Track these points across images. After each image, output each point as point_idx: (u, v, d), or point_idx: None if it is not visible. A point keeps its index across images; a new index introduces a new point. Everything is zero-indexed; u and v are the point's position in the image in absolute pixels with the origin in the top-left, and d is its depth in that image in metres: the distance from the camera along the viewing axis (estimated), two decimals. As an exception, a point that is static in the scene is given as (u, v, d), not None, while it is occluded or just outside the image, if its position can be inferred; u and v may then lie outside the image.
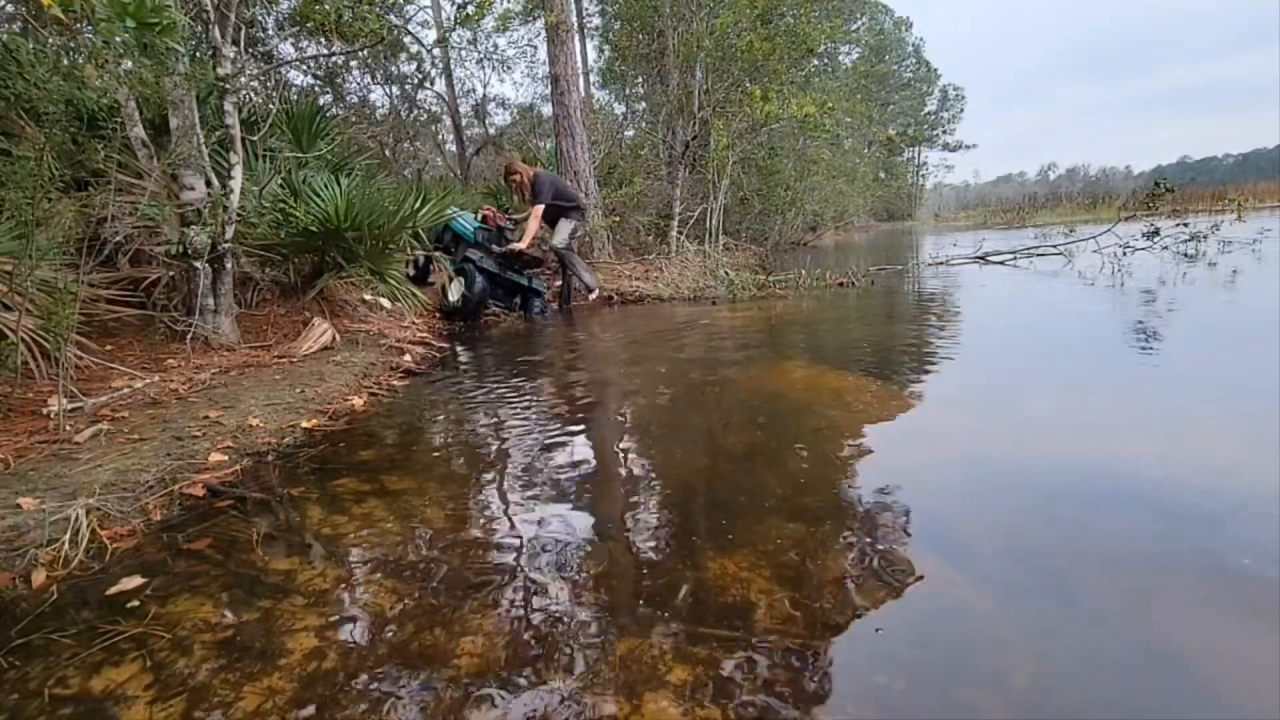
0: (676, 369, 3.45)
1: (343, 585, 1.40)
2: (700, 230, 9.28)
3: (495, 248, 5.61)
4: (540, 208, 5.63)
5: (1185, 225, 7.51)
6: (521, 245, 5.59)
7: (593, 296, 6.27)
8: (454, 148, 13.57)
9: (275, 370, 3.21)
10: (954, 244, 12.64)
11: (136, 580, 1.46)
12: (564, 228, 5.89)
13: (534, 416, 2.74)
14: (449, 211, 5.73)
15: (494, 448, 2.36)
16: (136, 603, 1.35)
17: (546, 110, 11.82)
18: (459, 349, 4.53)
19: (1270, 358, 2.89)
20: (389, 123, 11.54)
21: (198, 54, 4.19)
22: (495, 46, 12.57)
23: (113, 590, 1.42)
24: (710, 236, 9.14)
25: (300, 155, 4.75)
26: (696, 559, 1.44)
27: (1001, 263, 8.22)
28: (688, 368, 3.47)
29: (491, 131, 13.61)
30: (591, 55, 13.90)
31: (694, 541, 1.53)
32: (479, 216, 5.93)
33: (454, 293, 5.45)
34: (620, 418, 2.66)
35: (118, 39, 2.25)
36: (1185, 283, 5.45)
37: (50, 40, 3.64)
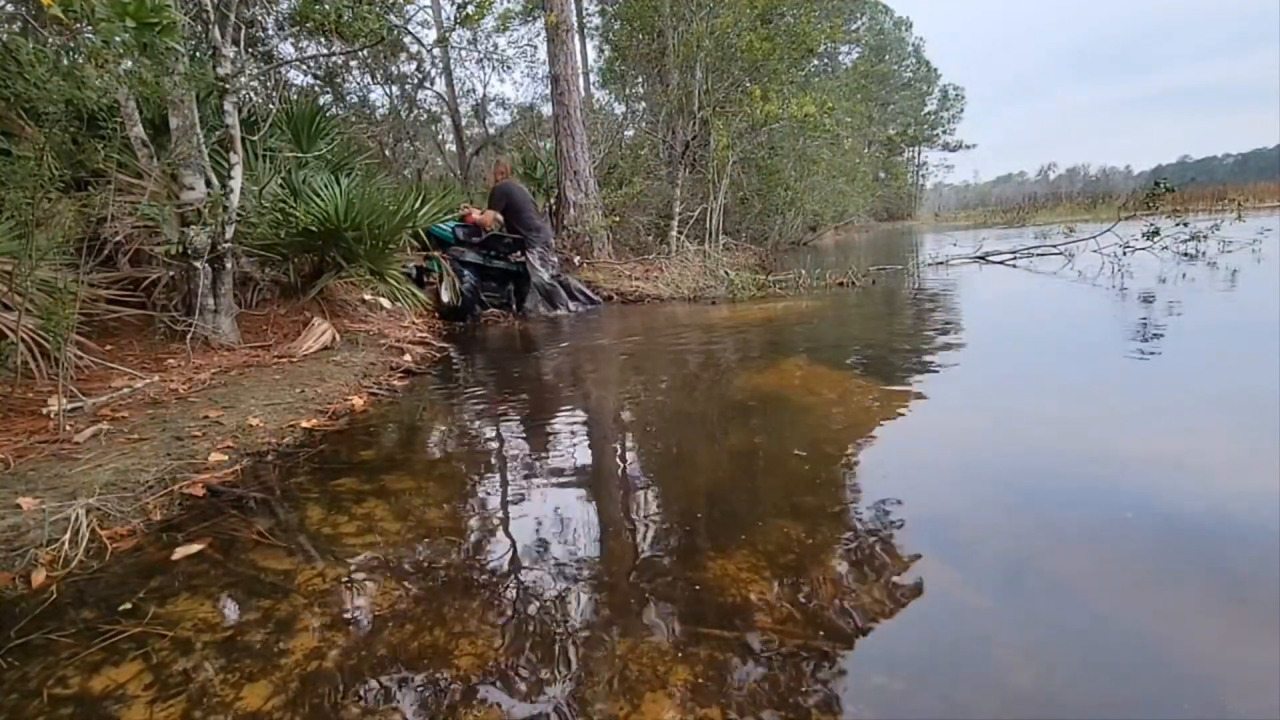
0: (676, 369, 3.45)
1: (343, 585, 1.40)
2: (700, 230, 9.28)
3: (475, 239, 5.66)
4: (490, 213, 5.82)
5: (1185, 225, 7.50)
6: (476, 216, 5.78)
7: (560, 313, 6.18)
8: (454, 148, 13.56)
9: (275, 370, 3.21)
10: (954, 244, 12.64)
11: (195, 546, 1.56)
12: (534, 261, 5.77)
13: (533, 416, 2.74)
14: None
15: (493, 448, 2.36)
16: (129, 605, 1.35)
17: (546, 110, 11.81)
18: (459, 349, 4.54)
19: (1267, 358, 2.89)
20: (389, 123, 11.53)
21: (198, 54, 4.19)
22: (495, 46, 12.56)
23: (177, 555, 1.53)
24: (710, 236, 9.14)
25: (300, 155, 4.76)
26: (696, 559, 1.44)
27: (1001, 263, 8.22)
28: (687, 367, 3.47)
29: (491, 131, 13.60)
30: (591, 55, 13.90)
31: (694, 541, 1.53)
32: (458, 216, 5.94)
33: (445, 292, 5.47)
34: (619, 417, 2.66)
35: (118, 39, 2.25)
36: (1185, 282, 5.44)
37: (50, 40, 3.63)
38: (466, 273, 5.41)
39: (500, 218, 5.79)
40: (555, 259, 6.28)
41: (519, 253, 5.93)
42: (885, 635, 1.17)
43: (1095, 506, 1.62)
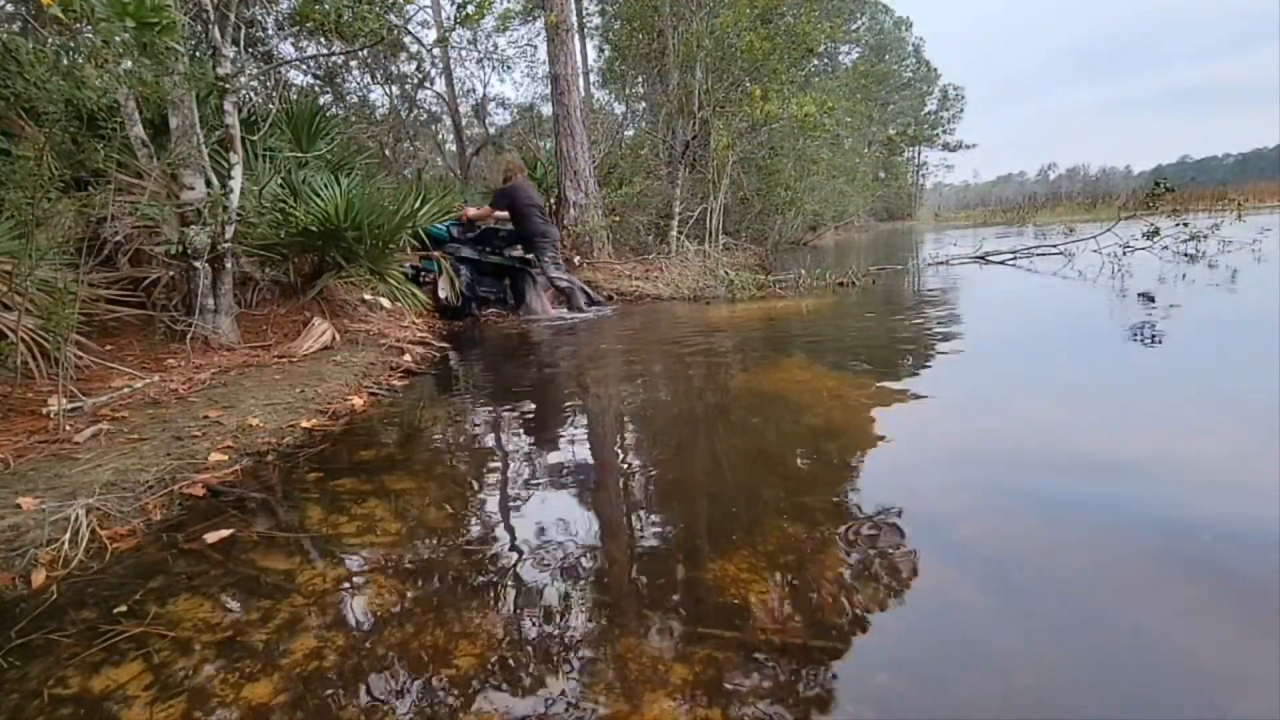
0: (676, 368, 3.45)
1: (343, 585, 1.40)
2: (700, 230, 9.28)
3: (469, 235, 5.66)
4: (485, 208, 5.80)
5: (1185, 225, 7.50)
6: (471, 212, 5.78)
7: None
8: (454, 148, 13.56)
9: (275, 370, 3.21)
10: (954, 243, 12.64)
11: (224, 532, 1.61)
12: (546, 261, 5.74)
13: (533, 415, 2.74)
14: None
15: (493, 447, 2.36)
16: (129, 605, 1.35)
17: (546, 110, 11.80)
18: (459, 349, 4.53)
19: (1266, 358, 2.89)
20: (389, 123, 11.53)
21: (198, 54, 4.19)
22: (495, 46, 12.54)
23: (213, 539, 1.59)
24: (710, 236, 9.14)
25: (300, 155, 4.76)
26: (696, 559, 1.44)
27: (1001, 262, 8.22)
28: (687, 367, 3.47)
29: (491, 131, 13.59)
30: (591, 55, 13.88)
31: (694, 541, 1.53)
32: (456, 218, 5.92)
33: (443, 289, 5.45)
34: (620, 417, 2.66)
35: (117, 39, 2.25)
36: (1185, 282, 5.44)
37: (50, 40, 3.63)
38: (463, 269, 5.40)
39: (496, 214, 5.76)
40: (560, 261, 6.24)
41: (515, 246, 5.92)
42: (886, 635, 1.17)
43: (1096, 505, 1.62)
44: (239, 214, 3.54)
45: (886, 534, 1.52)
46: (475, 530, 1.66)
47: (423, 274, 5.73)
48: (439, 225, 5.72)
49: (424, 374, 3.63)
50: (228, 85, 3.43)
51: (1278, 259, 6.69)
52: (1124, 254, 7.10)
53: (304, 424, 2.51)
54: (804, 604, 1.25)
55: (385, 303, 4.86)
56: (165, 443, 2.13)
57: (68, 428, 2.16)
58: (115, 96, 3.36)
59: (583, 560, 1.47)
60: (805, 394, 2.77)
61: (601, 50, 13.74)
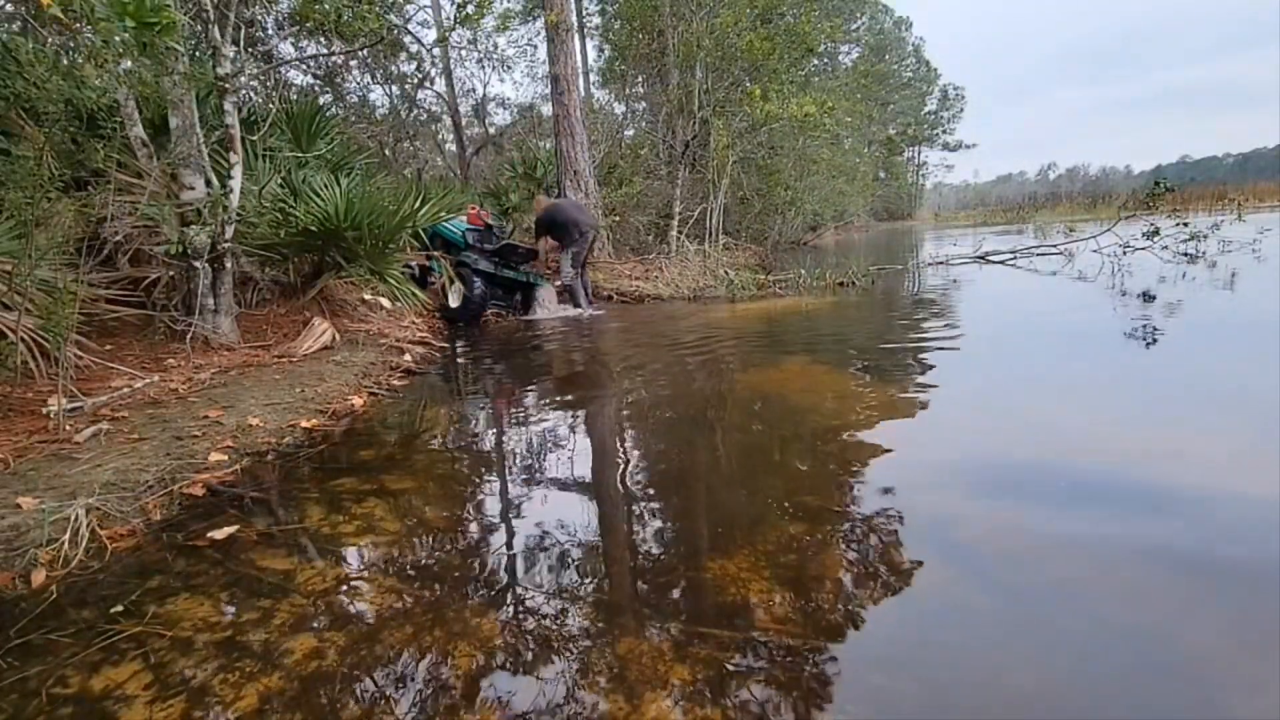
0: (676, 368, 3.45)
1: (343, 585, 1.40)
2: (700, 230, 9.28)
3: (487, 246, 5.61)
4: (544, 243, 6.08)
5: (1185, 225, 7.49)
6: (544, 248, 6.10)
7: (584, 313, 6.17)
8: (454, 147, 13.57)
9: (275, 370, 3.21)
10: (954, 243, 12.65)
11: (230, 529, 1.63)
12: (564, 261, 5.82)
13: (533, 415, 2.74)
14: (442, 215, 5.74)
15: (493, 447, 2.36)
16: (128, 605, 1.35)
17: (546, 110, 11.80)
18: (459, 348, 4.53)
19: (1265, 357, 2.89)
20: (389, 123, 11.54)
21: (198, 54, 4.19)
22: (495, 46, 12.55)
23: (220, 535, 1.61)
24: (710, 236, 9.14)
25: (300, 155, 4.76)
26: (696, 559, 1.44)
27: (1001, 262, 8.21)
28: (687, 367, 3.47)
29: (491, 131, 13.60)
30: (591, 55, 13.89)
31: (693, 541, 1.53)
32: (465, 218, 5.86)
33: (454, 299, 5.41)
34: (619, 417, 2.66)
35: (117, 39, 2.25)
36: (1185, 282, 5.44)
37: (50, 40, 3.64)
38: (477, 281, 5.34)
39: (551, 242, 6.06)
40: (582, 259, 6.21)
41: (532, 262, 5.94)
42: (885, 635, 1.17)
43: (1095, 504, 1.62)
44: (239, 214, 3.53)
45: (885, 534, 1.52)
46: (474, 530, 1.66)
47: (430, 276, 5.71)
48: (452, 228, 5.66)
49: (424, 374, 3.63)
50: (228, 85, 3.43)
51: (1278, 259, 6.69)
52: (1124, 254, 7.09)
53: (304, 424, 2.51)
54: (803, 603, 1.25)
55: (385, 303, 4.86)
56: (165, 443, 2.13)
57: (68, 428, 2.16)
58: (115, 96, 3.37)
59: (583, 559, 1.47)
60: (805, 393, 2.77)
61: (601, 50, 13.76)
